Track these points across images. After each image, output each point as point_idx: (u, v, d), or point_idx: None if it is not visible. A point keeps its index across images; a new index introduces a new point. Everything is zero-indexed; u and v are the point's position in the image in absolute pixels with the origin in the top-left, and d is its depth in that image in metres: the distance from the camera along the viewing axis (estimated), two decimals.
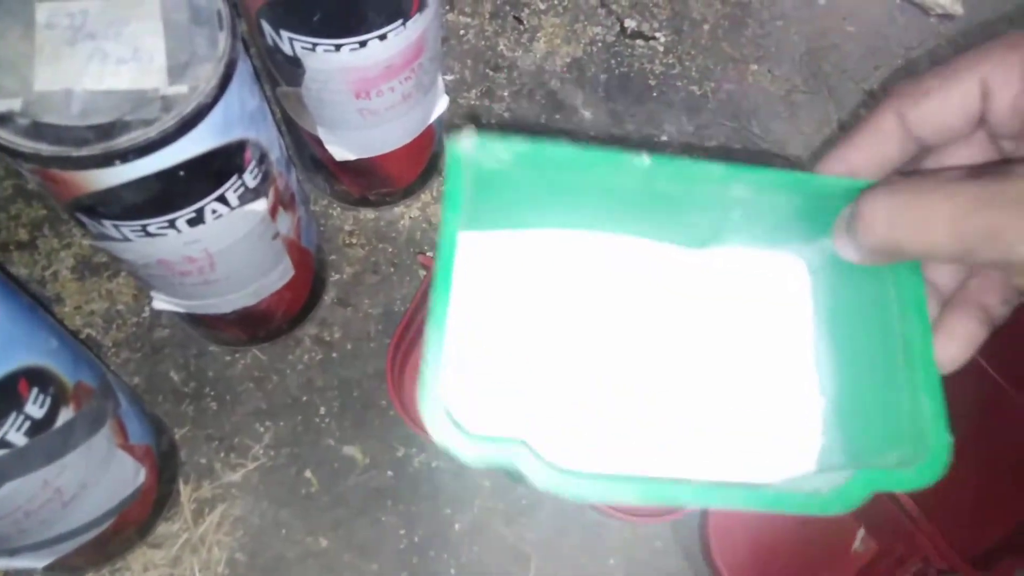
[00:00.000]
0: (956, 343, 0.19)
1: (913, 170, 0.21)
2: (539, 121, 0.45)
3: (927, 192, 0.17)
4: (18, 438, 0.23)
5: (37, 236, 0.40)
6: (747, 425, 0.22)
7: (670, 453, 0.22)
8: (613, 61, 0.47)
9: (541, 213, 0.22)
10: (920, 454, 0.18)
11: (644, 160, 0.19)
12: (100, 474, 0.29)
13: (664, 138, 0.45)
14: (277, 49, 0.31)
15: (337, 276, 0.41)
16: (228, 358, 0.39)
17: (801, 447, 0.22)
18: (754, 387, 0.22)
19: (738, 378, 0.23)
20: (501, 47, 0.47)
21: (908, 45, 0.49)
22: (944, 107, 0.19)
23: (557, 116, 0.45)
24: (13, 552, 0.28)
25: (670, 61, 0.47)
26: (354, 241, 0.41)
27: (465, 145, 0.18)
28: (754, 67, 0.48)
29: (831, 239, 0.21)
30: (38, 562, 0.30)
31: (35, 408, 0.24)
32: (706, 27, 0.49)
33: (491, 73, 0.46)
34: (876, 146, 0.20)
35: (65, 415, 0.25)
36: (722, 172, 0.20)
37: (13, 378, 0.23)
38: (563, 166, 0.19)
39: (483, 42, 0.47)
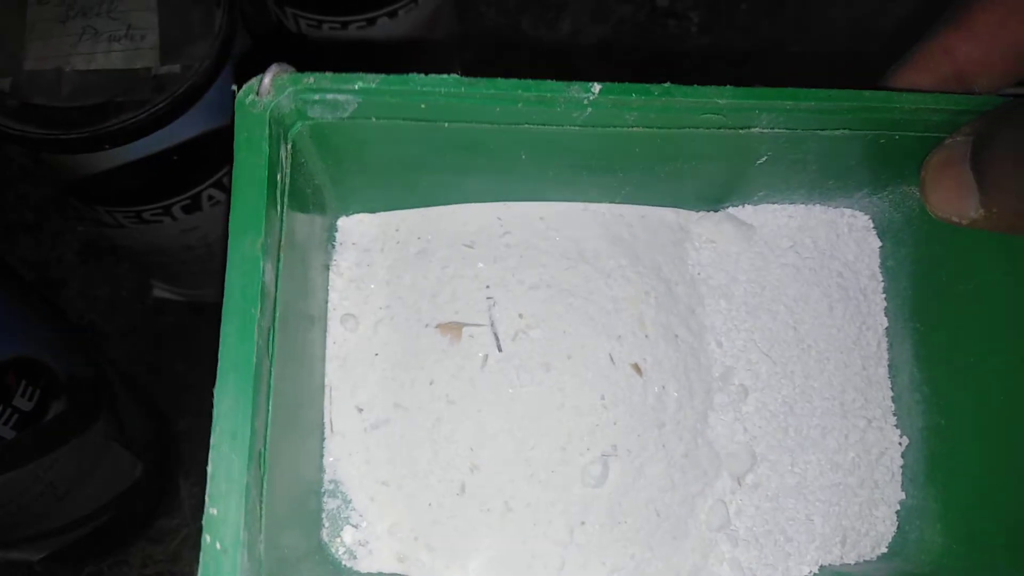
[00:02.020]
0: None
1: None
2: None
3: None
4: (5, 431, 0.22)
5: (43, 218, 0.39)
6: (794, 484, 0.15)
7: (667, 549, 0.14)
8: (643, 41, 0.44)
9: (446, 182, 0.15)
10: None
11: (590, 92, 0.12)
12: (95, 468, 0.28)
13: None
14: (281, 25, 0.29)
15: None
16: None
17: (874, 510, 0.15)
18: (803, 425, 0.15)
19: (779, 413, 0.15)
20: (524, 25, 0.45)
21: None
22: None
23: None
24: (8, 545, 0.28)
25: (705, 42, 0.45)
26: None
27: (263, 89, 0.11)
28: (795, 50, 0.45)
29: (913, 186, 0.13)
30: (34, 554, 0.29)
31: (23, 400, 0.23)
32: (743, 6, 0.46)
33: (512, 53, 0.44)
34: (1004, 27, 0.12)
35: (57, 407, 0.24)
36: (731, 104, 0.12)
37: (1, 369, 0.22)
38: (449, 112, 0.12)
39: (504, 19, 0.45)
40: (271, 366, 0.11)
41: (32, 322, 0.24)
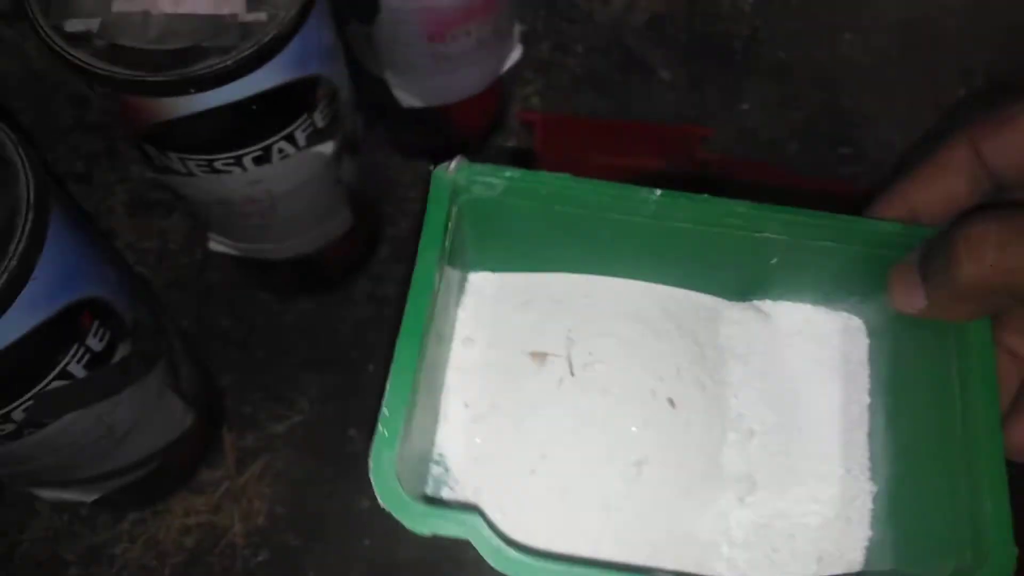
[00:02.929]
0: None
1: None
2: (614, 79, 0.43)
3: None
4: (78, 370, 0.23)
5: (94, 169, 0.39)
6: (784, 509, 0.19)
7: (680, 539, 0.19)
8: (696, 20, 0.44)
9: (553, 254, 0.20)
10: (980, 566, 0.15)
11: (653, 194, 0.17)
12: (151, 414, 0.28)
13: (746, 106, 0.42)
14: None
15: (393, 230, 0.39)
16: (278, 307, 0.38)
17: (846, 539, 0.19)
18: (796, 465, 0.20)
19: (778, 453, 0.20)
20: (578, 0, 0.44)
21: (1015, 23, 0.45)
22: None
23: (633, 76, 0.43)
24: (65, 484, 0.28)
25: (757, 24, 0.44)
26: (412, 195, 0.40)
27: (450, 168, 0.17)
28: (848, 36, 0.44)
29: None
30: (86, 496, 0.30)
31: (95, 341, 0.23)
32: None
33: (565, 25, 0.44)
34: (944, 182, 0.17)
35: (123, 350, 0.25)
36: (747, 212, 0.17)
37: (77, 308, 0.22)
38: (561, 198, 0.17)
39: None
40: (424, 350, 0.16)
41: (103, 265, 0.24)
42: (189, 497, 0.34)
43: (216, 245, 0.32)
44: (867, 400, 0.20)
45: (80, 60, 0.21)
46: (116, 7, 0.22)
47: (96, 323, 0.23)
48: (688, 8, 0.44)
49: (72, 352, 0.22)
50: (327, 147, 0.27)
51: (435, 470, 0.19)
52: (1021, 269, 0.15)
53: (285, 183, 0.28)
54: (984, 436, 0.16)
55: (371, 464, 0.15)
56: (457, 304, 0.21)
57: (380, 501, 0.15)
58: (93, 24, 0.22)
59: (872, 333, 0.20)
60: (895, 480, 0.19)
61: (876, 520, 0.19)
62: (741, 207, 0.17)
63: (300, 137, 0.26)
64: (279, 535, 0.34)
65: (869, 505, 0.19)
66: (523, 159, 0.41)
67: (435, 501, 0.18)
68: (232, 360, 0.37)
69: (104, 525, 0.34)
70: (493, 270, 0.21)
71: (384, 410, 0.16)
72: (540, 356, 0.20)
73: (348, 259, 0.37)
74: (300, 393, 0.36)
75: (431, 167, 0.17)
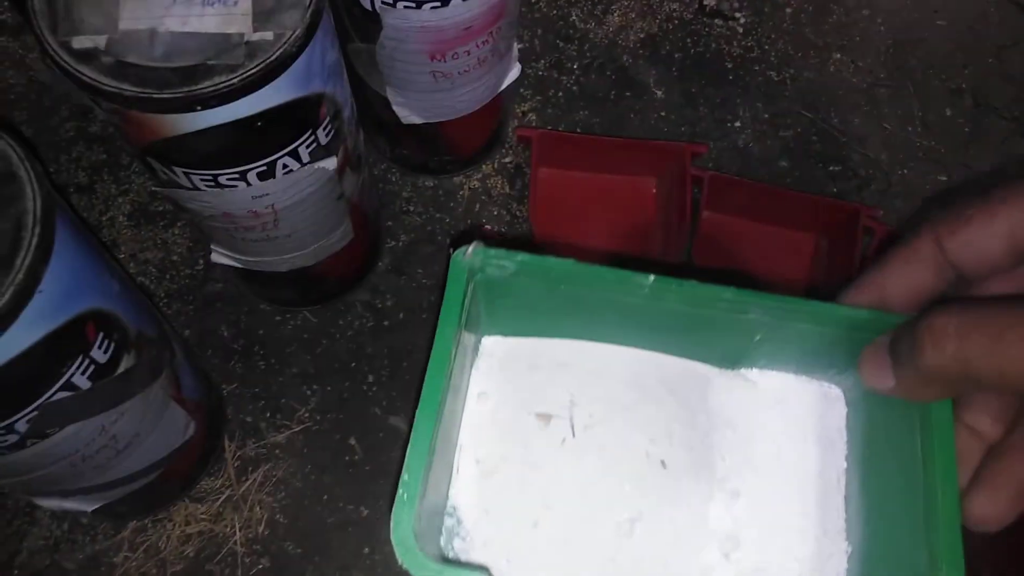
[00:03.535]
0: (1002, 498, 0.17)
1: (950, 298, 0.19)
2: (609, 97, 0.43)
3: (1006, 307, 0.16)
4: (82, 381, 0.23)
5: (96, 180, 0.40)
6: (765, 565, 0.21)
7: None
8: (689, 40, 0.45)
9: (558, 322, 0.22)
10: None
11: (647, 279, 0.19)
12: (154, 424, 0.28)
13: (738, 124, 0.43)
14: (355, 2, 0.30)
15: (392, 243, 0.40)
16: (279, 318, 0.38)
17: None
18: (777, 524, 0.21)
19: (760, 513, 0.21)
20: (573, 17, 0.45)
21: (1001, 43, 0.47)
22: (987, 235, 0.18)
23: (628, 93, 0.43)
24: (66, 494, 0.28)
25: (749, 43, 0.45)
26: (411, 208, 0.41)
27: (467, 253, 0.19)
28: (837, 56, 0.45)
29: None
30: (88, 506, 0.30)
31: (100, 352, 0.23)
32: (789, 10, 0.46)
33: (561, 44, 0.44)
34: (912, 273, 0.19)
35: (127, 362, 0.25)
36: (733, 297, 0.19)
37: (81, 320, 0.22)
38: (566, 280, 0.19)
39: (555, 11, 0.45)
40: (443, 409, 0.18)
41: (107, 277, 0.25)
42: (190, 505, 0.34)
43: (219, 257, 0.33)
44: (844, 465, 0.22)
45: (87, 77, 0.22)
46: (123, 25, 0.22)
47: (100, 335, 0.23)
48: (681, 28, 0.45)
49: (76, 363, 0.22)
50: (330, 163, 0.28)
51: (448, 522, 0.21)
52: (978, 360, 0.16)
53: (288, 198, 0.28)
54: (941, 507, 0.17)
55: (392, 525, 0.17)
56: (472, 364, 0.23)
57: (399, 560, 0.16)
58: (100, 41, 0.22)
59: (849, 403, 0.22)
60: (867, 541, 0.20)
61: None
62: (727, 293, 0.19)
63: (304, 153, 0.26)
64: (279, 543, 0.34)
65: (844, 564, 0.21)
66: (519, 175, 0.41)
67: (449, 558, 0.20)
68: (233, 370, 0.37)
69: (104, 533, 0.34)
70: (504, 334, 0.23)
71: (404, 475, 0.17)
72: (545, 417, 0.22)
73: (348, 271, 0.37)
74: (301, 403, 0.37)
75: (450, 249, 0.19)
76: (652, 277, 0.19)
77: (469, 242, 0.19)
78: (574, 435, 0.21)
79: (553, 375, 0.22)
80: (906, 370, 0.17)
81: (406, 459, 0.17)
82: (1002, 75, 0.45)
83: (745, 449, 0.22)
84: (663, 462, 0.21)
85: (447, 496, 0.21)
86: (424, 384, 0.18)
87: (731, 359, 0.22)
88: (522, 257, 0.19)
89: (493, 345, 0.23)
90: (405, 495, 0.17)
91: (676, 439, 0.22)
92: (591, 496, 0.21)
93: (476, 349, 0.23)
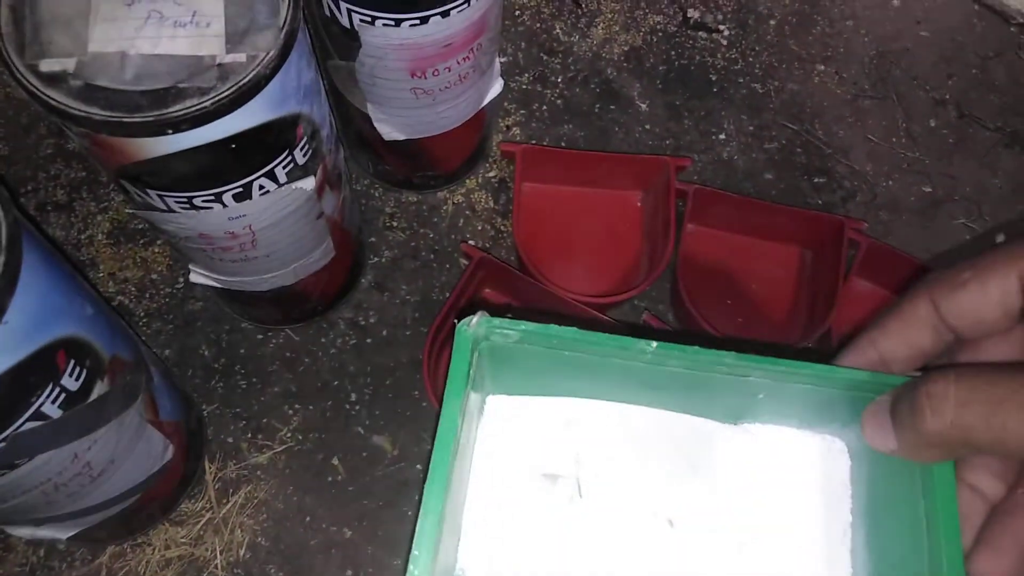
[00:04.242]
0: (1006, 558, 0.17)
1: (948, 364, 0.20)
2: (593, 110, 0.43)
3: (1005, 376, 0.16)
4: (53, 410, 0.23)
5: (75, 198, 0.39)
6: None
7: None
8: (673, 52, 0.45)
9: (562, 382, 0.22)
10: None
11: (650, 346, 0.19)
12: (130, 449, 0.28)
13: (722, 136, 0.43)
14: (334, 20, 0.29)
15: (375, 259, 0.40)
16: (260, 336, 0.38)
17: None
18: (777, 570, 0.21)
19: (766, 566, 0.21)
20: (557, 31, 0.45)
21: (984, 54, 0.47)
22: (981, 300, 0.18)
23: (612, 106, 0.43)
24: (39, 523, 0.28)
25: (733, 55, 0.45)
26: (395, 224, 0.40)
27: (471, 324, 0.19)
28: (821, 67, 0.45)
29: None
30: (63, 533, 0.29)
31: (71, 380, 0.23)
32: (772, 22, 0.46)
33: (545, 57, 0.44)
34: (909, 334, 0.19)
35: (100, 389, 0.25)
36: (734, 362, 0.19)
37: (52, 349, 0.22)
38: (568, 346, 0.20)
39: (539, 24, 0.45)
40: (451, 478, 0.18)
41: (78, 303, 0.24)
42: (170, 529, 0.34)
43: (197, 277, 0.32)
44: (849, 518, 0.22)
45: (55, 101, 0.21)
46: (92, 47, 0.22)
47: (72, 362, 0.23)
48: (665, 41, 0.45)
49: (46, 392, 0.22)
50: (308, 182, 0.28)
51: None
52: (976, 428, 0.16)
53: (266, 218, 0.28)
54: (946, 569, 0.17)
55: None
56: (477, 424, 0.23)
57: None
58: (69, 64, 0.22)
59: (853, 455, 0.22)
60: None
61: None
62: (728, 358, 0.19)
63: (280, 174, 0.26)
64: (261, 566, 0.33)
65: None
66: (503, 189, 0.41)
67: None
68: (214, 390, 0.37)
69: (82, 559, 0.33)
70: (509, 394, 0.23)
71: (415, 550, 0.17)
72: (552, 477, 0.22)
73: (330, 289, 0.37)
74: (282, 422, 0.36)
75: (455, 320, 0.20)
76: (655, 344, 0.19)
77: (474, 313, 0.20)
78: (581, 495, 0.22)
79: (558, 434, 0.23)
80: (907, 433, 0.18)
81: (416, 534, 0.17)
82: (986, 85, 0.46)
83: (750, 502, 0.22)
84: (670, 520, 0.22)
85: (456, 559, 0.21)
86: (432, 457, 0.18)
87: (734, 415, 0.23)
88: (525, 326, 0.19)
89: (498, 404, 0.23)
90: (416, 571, 0.17)
91: (682, 496, 0.22)
92: (599, 556, 0.21)
93: (481, 409, 0.23)
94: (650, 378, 0.21)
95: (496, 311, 0.20)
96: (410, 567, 0.17)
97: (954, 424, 0.16)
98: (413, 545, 0.17)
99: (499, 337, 0.20)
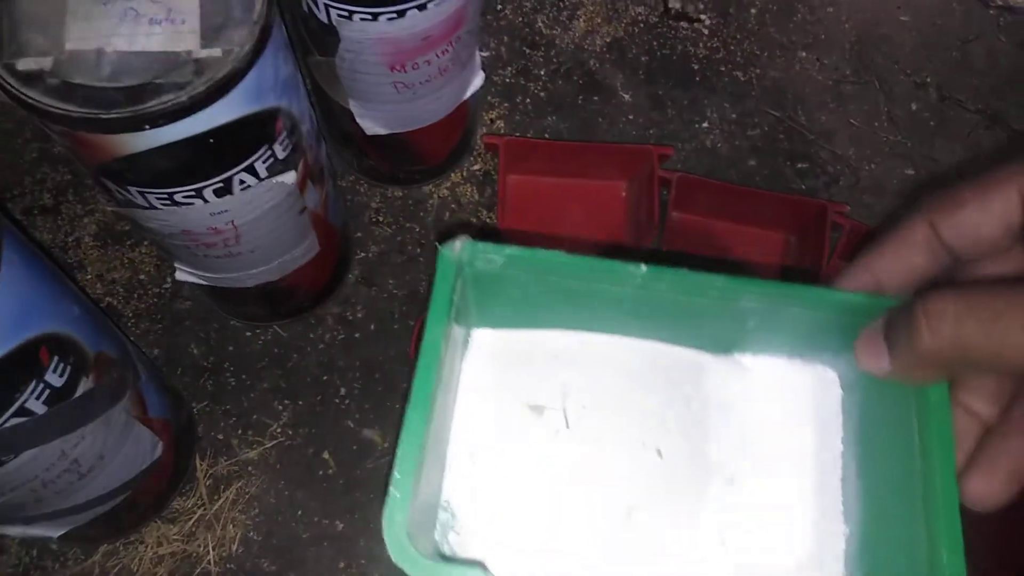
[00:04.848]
0: (998, 478, 0.17)
1: (946, 282, 0.19)
2: (576, 102, 0.43)
3: (1003, 289, 0.16)
4: (37, 406, 0.23)
5: (61, 201, 0.40)
6: (765, 549, 0.21)
7: None
8: (655, 43, 0.45)
9: (549, 313, 0.22)
10: None
11: (639, 269, 0.19)
12: (118, 446, 0.28)
13: (705, 125, 0.43)
14: (311, 15, 0.29)
15: (362, 254, 0.40)
16: (249, 334, 0.38)
17: None
18: (773, 508, 0.21)
19: (756, 497, 0.21)
20: (539, 24, 0.45)
21: (964, 37, 0.47)
22: (981, 217, 0.18)
23: (595, 98, 0.44)
24: (29, 521, 0.28)
25: (715, 44, 0.45)
26: (380, 219, 0.40)
27: (455, 247, 0.19)
28: (802, 54, 0.46)
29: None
30: (53, 531, 0.29)
31: (55, 377, 0.23)
32: (753, 10, 0.47)
33: (528, 51, 0.45)
34: (906, 256, 0.19)
35: (85, 385, 0.25)
36: (724, 284, 0.19)
37: (34, 345, 0.22)
38: (556, 271, 0.19)
39: (520, 18, 0.45)
40: (434, 405, 0.18)
41: (62, 300, 0.24)
42: (162, 526, 0.34)
43: (183, 275, 0.32)
44: (840, 448, 0.21)
45: (33, 99, 0.21)
46: (69, 45, 0.22)
47: (55, 358, 0.23)
48: (647, 31, 0.46)
49: (30, 389, 0.22)
50: (289, 177, 0.28)
51: (442, 516, 0.20)
52: (975, 343, 0.16)
53: (248, 213, 0.28)
54: (940, 490, 0.17)
55: (384, 525, 0.16)
56: (462, 357, 0.22)
57: (393, 559, 0.16)
58: (46, 63, 0.22)
59: (844, 385, 0.22)
60: (865, 523, 0.20)
61: (848, 560, 0.20)
62: (719, 280, 0.19)
63: (261, 168, 0.26)
64: (254, 561, 0.34)
65: (842, 546, 0.20)
66: (488, 182, 0.41)
67: (443, 554, 0.20)
68: (204, 387, 0.37)
69: (75, 559, 0.33)
70: (494, 327, 0.22)
71: (396, 473, 0.17)
72: (538, 409, 0.21)
73: (317, 285, 0.37)
74: (272, 418, 0.36)
75: (436, 243, 0.19)
76: (644, 267, 0.18)
77: (456, 237, 0.19)
78: (568, 426, 0.21)
79: (545, 366, 0.22)
80: (902, 353, 0.17)
81: (397, 457, 0.17)
82: (966, 68, 0.46)
83: (740, 434, 0.22)
84: (659, 450, 0.21)
85: (440, 490, 0.21)
86: (414, 380, 0.17)
87: (724, 345, 0.22)
88: (510, 250, 0.19)
89: (483, 338, 0.22)
90: (397, 493, 0.16)
91: (671, 427, 0.21)
92: (586, 486, 0.21)
93: (466, 342, 0.22)
94: (639, 308, 0.20)
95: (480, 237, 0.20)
96: (391, 490, 0.16)
97: (952, 340, 0.16)
98: (394, 469, 0.16)
99: (483, 262, 0.19)
